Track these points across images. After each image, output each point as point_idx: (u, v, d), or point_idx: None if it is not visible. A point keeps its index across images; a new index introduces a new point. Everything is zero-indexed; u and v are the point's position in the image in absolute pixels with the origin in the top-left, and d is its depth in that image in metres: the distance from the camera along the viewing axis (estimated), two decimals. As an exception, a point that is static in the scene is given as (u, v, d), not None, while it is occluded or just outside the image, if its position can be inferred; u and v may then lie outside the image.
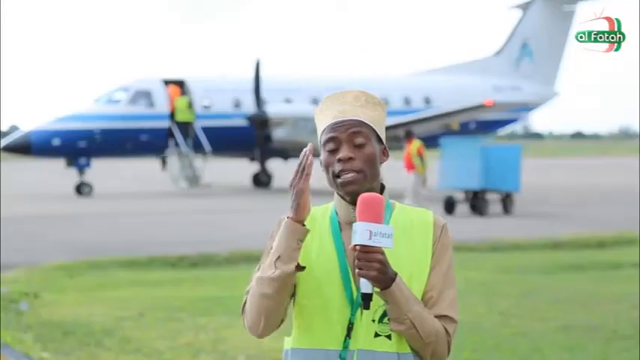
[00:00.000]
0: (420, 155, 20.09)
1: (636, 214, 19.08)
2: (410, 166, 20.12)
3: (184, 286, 11.19)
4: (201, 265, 13.10)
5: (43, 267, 12.67)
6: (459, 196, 21.11)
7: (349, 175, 2.70)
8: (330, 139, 2.73)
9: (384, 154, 2.79)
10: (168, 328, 8.59)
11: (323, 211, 2.83)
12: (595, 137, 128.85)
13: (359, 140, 2.72)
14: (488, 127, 32.86)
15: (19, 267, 12.66)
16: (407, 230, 2.74)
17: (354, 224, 2.57)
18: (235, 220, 19.67)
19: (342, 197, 2.77)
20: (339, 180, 2.71)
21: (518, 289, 10.67)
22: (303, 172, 2.61)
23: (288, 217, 2.66)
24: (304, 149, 2.64)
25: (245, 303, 2.76)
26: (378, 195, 2.60)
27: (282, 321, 2.74)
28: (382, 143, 2.78)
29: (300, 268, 2.67)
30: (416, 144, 20.29)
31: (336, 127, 2.73)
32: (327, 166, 2.74)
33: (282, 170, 33.24)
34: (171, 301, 9.97)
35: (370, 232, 2.53)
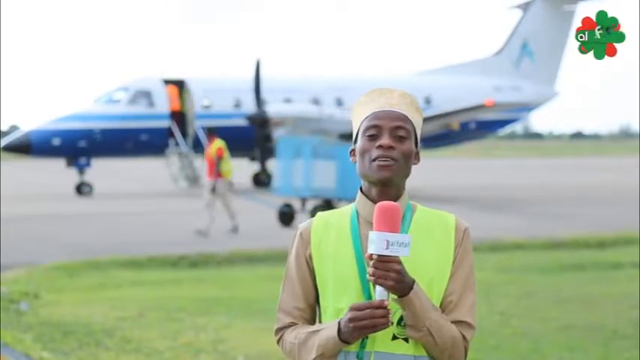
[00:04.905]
0: (220, 157, 16.90)
1: (636, 214, 19.08)
2: (213, 172, 16.87)
3: (184, 286, 11.19)
4: (201, 265, 13.10)
5: (43, 267, 12.66)
6: (297, 204, 17.66)
7: (386, 162, 2.67)
8: (372, 126, 2.72)
9: (416, 157, 2.77)
10: (168, 328, 8.59)
11: (340, 214, 2.80)
12: (595, 137, 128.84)
13: (401, 132, 2.71)
14: (489, 127, 32.88)
15: (19, 267, 12.66)
16: (428, 234, 2.73)
17: (370, 233, 2.56)
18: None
19: (366, 196, 2.75)
20: (374, 163, 2.68)
21: (518, 289, 10.67)
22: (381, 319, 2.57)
23: (339, 338, 2.63)
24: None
25: (284, 339, 2.80)
26: (395, 204, 2.58)
27: None
28: (416, 147, 2.77)
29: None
30: (216, 144, 17.09)
31: (381, 115, 2.73)
32: (363, 152, 2.72)
33: (282, 170, 33.19)
34: (171, 301, 9.97)
35: (387, 241, 2.52)
